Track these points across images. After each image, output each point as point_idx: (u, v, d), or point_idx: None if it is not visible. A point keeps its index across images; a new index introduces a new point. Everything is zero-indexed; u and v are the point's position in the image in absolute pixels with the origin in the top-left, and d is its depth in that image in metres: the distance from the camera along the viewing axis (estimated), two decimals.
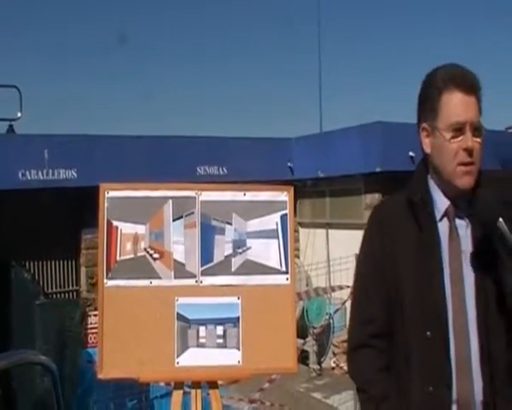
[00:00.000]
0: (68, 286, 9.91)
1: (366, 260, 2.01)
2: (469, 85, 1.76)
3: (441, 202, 1.84)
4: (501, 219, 1.65)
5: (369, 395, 1.90)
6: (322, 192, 10.92)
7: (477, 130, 1.75)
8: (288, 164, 11.10)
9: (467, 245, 1.79)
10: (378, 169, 9.18)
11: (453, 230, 1.81)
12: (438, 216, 1.83)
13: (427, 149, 1.85)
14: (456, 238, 1.80)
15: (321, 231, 10.96)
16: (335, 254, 8.89)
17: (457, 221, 1.82)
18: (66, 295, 9.78)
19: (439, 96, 1.77)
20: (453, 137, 1.75)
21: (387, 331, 1.88)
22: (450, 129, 1.75)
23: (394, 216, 1.91)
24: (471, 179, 1.77)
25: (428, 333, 1.76)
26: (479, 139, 1.75)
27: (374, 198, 9.53)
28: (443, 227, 1.83)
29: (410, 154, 9.35)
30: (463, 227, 1.82)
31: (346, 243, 9.43)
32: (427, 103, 1.82)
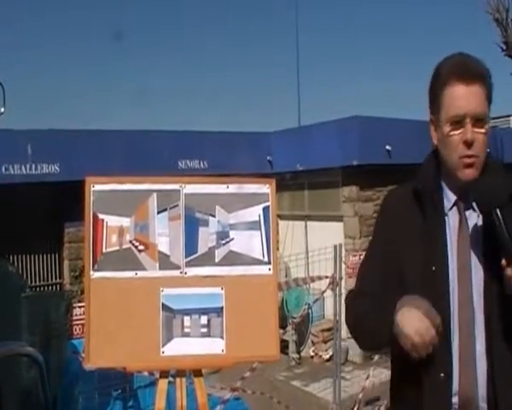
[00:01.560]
0: (51, 279, 9.90)
1: (374, 245, 2.02)
2: (471, 75, 1.71)
3: (451, 193, 1.81)
4: (498, 210, 1.62)
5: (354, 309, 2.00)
6: (300, 185, 11.01)
7: (479, 120, 1.71)
8: (268, 158, 11.17)
9: (477, 237, 1.75)
10: (356, 162, 9.29)
11: (463, 221, 1.77)
12: (448, 206, 1.81)
13: (435, 141, 1.84)
14: (466, 230, 1.76)
15: (300, 223, 11.06)
16: (314, 245, 9.00)
17: (468, 213, 1.79)
18: (50, 288, 9.77)
19: (441, 90, 1.76)
20: (453, 130, 1.73)
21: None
22: (449, 122, 1.73)
23: (402, 204, 1.91)
24: (473, 172, 1.73)
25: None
26: (482, 130, 1.71)
27: (351, 191, 9.65)
28: (452, 218, 1.80)
29: (387, 147, 9.49)
30: (474, 219, 1.78)
31: (325, 235, 9.56)
32: (432, 97, 1.81)
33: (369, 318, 1.87)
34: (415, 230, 1.83)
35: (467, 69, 1.73)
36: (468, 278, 1.74)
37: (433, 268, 1.76)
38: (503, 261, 1.59)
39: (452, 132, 1.74)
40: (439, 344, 1.69)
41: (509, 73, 13.99)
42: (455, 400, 1.73)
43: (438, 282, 1.75)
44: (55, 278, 9.95)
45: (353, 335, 2.04)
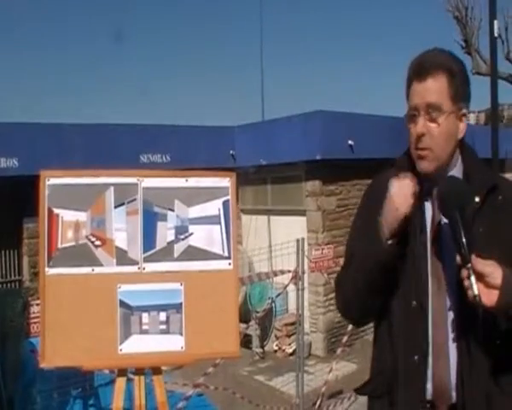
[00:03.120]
0: (11, 276, 9.67)
1: (356, 230, 2.02)
2: (425, 70, 1.73)
3: (426, 184, 1.82)
4: (457, 213, 1.62)
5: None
6: (264, 179, 11.01)
7: (433, 113, 1.72)
8: (231, 152, 11.13)
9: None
10: (318, 157, 9.33)
11: (435, 210, 1.79)
12: (424, 193, 1.81)
13: None
14: (438, 219, 1.77)
15: (263, 218, 11.06)
16: (277, 239, 9.01)
17: None
18: (9, 285, 9.54)
19: (408, 89, 1.79)
20: (409, 123, 1.77)
21: None
22: (408, 116, 1.77)
23: (384, 191, 1.87)
24: (427, 165, 1.75)
25: (414, 303, 1.76)
26: (434, 124, 1.72)
27: (314, 185, 9.69)
28: (428, 205, 1.82)
29: (350, 142, 9.56)
30: None
31: (288, 229, 9.59)
32: (406, 94, 1.82)
33: (353, 265, 1.89)
34: None
35: (422, 65, 1.76)
36: (440, 266, 1.76)
37: (414, 254, 1.77)
38: (458, 259, 1.60)
39: (409, 126, 1.78)
40: (416, 327, 1.73)
41: (468, 70, 14.25)
42: (429, 386, 1.76)
43: (418, 267, 1.77)
44: (15, 275, 9.73)
45: (345, 306, 2.00)
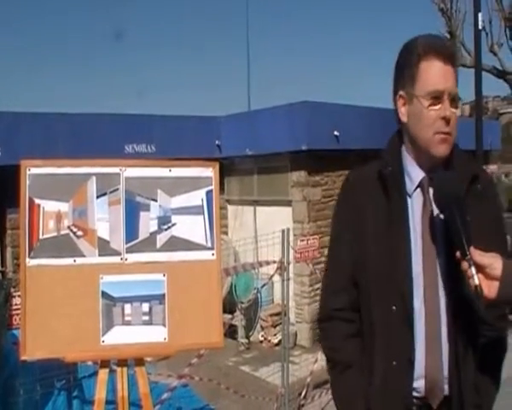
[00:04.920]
0: None
1: (336, 230, 1.98)
2: (448, 55, 1.72)
3: (415, 174, 1.79)
4: (453, 206, 1.62)
5: (335, 362, 1.91)
6: (249, 170, 10.98)
7: (454, 100, 1.72)
8: (216, 142, 11.07)
9: (442, 219, 1.73)
10: (304, 147, 9.31)
11: (427, 201, 1.76)
12: (411, 188, 1.79)
13: (404, 118, 1.79)
14: (430, 210, 1.75)
15: (249, 208, 11.04)
16: (263, 230, 9.00)
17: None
18: None
19: (418, 63, 1.72)
20: (431, 105, 1.71)
21: (358, 302, 1.86)
22: (428, 97, 1.71)
23: (364, 187, 1.87)
24: (447, 148, 1.73)
25: (394, 307, 1.73)
26: (455, 110, 1.72)
27: (300, 176, 9.69)
28: (417, 199, 1.78)
29: (335, 133, 9.54)
30: None
31: (274, 220, 9.58)
32: (406, 70, 1.76)
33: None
34: (379, 214, 1.80)
35: (444, 47, 1.74)
36: (434, 258, 1.74)
37: (396, 255, 1.75)
38: (458, 254, 1.59)
39: (431, 107, 1.71)
40: (401, 330, 1.71)
41: None
42: (417, 384, 1.74)
43: (400, 267, 1.74)
44: None
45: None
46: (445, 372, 1.73)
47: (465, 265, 1.57)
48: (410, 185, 1.80)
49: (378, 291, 1.78)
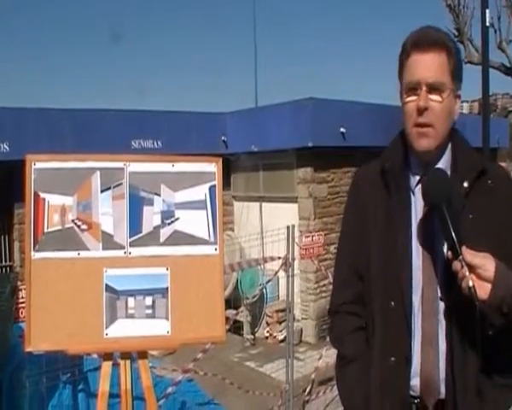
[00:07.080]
0: (2, 262, 9.66)
1: (345, 225, 2.00)
2: (427, 43, 1.67)
3: (417, 170, 1.77)
4: (444, 205, 1.59)
5: (341, 354, 1.93)
6: (255, 166, 10.99)
7: (435, 89, 1.65)
8: (223, 138, 11.10)
9: None
10: (310, 144, 9.32)
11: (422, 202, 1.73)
12: (414, 183, 1.77)
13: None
14: (427, 208, 1.72)
15: (254, 205, 11.06)
16: (268, 226, 9.01)
17: None
18: (0, 270, 9.53)
19: (405, 61, 1.72)
20: (408, 97, 1.68)
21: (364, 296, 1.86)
22: (406, 89, 1.69)
23: (368, 182, 1.87)
24: (427, 142, 1.68)
25: (392, 303, 1.72)
26: (437, 98, 1.65)
27: (306, 172, 9.69)
28: (418, 196, 1.75)
29: (341, 130, 9.54)
30: None
31: (280, 216, 9.59)
32: (399, 68, 1.76)
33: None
34: (381, 209, 1.80)
35: (424, 38, 1.69)
36: (431, 255, 1.71)
37: (395, 250, 1.74)
38: (449, 254, 1.58)
39: (408, 99, 1.69)
40: (398, 327, 1.70)
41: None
42: (413, 382, 1.73)
43: (400, 262, 1.73)
44: (5, 261, 9.72)
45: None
46: (442, 373, 1.70)
47: (457, 265, 1.55)
48: (413, 181, 1.79)
49: (378, 286, 1.78)
